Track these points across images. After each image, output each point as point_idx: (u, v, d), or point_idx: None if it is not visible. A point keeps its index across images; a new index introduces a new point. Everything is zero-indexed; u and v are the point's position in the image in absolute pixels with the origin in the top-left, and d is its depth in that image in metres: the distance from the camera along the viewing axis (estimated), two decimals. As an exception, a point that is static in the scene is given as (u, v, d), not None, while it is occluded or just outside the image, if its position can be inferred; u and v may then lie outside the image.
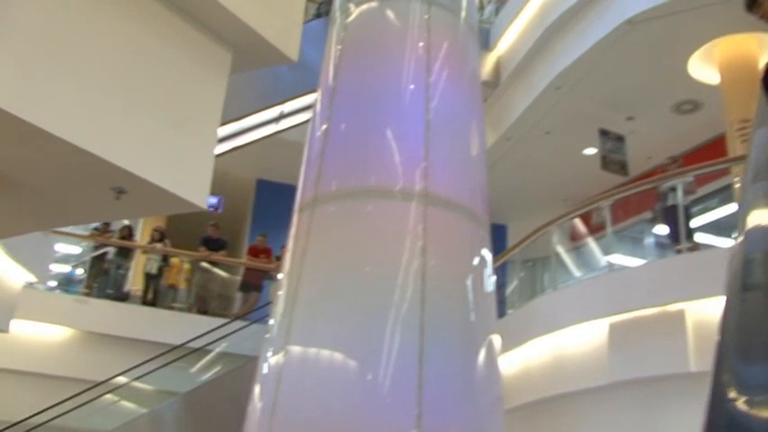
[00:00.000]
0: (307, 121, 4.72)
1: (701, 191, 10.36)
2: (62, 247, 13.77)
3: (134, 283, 14.19)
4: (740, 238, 3.14)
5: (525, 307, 10.85)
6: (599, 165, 13.12)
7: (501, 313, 10.63)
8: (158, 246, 13.82)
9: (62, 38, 3.96)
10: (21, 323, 10.84)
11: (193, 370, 10.64)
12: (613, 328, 8.61)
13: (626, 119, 13.30)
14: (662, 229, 10.16)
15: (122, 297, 13.40)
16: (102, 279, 13.42)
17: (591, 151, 14.08)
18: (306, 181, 4.48)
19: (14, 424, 9.32)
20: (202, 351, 10.68)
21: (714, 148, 12.31)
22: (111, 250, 13.73)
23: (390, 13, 4.70)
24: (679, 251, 9.14)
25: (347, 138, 4.44)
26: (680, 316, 8.00)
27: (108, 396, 9.81)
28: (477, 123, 4.68)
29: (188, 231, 14.77)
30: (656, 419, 8.16)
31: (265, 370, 4.02)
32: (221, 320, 11.29)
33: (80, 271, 14.02)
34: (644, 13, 10.71)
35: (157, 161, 4.24)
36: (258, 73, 9.33)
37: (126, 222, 13.80)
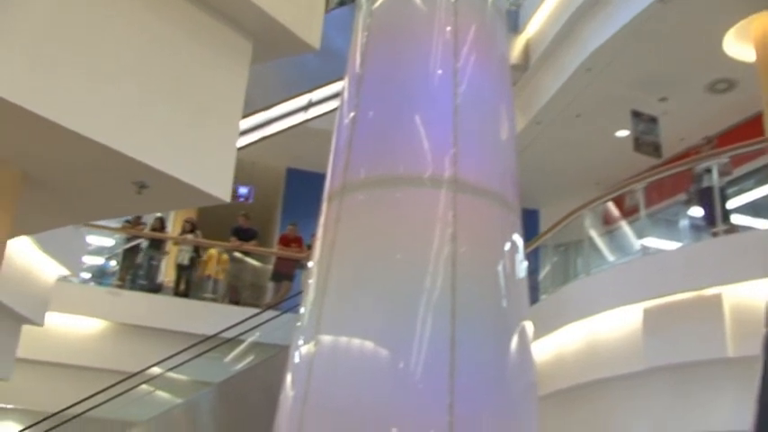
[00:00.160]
0: (335, 110, 4.68)
1: (737, 171, 10.17)
2: (95, 240, 13.89)
3: (166, 274, 14.29)
4: None
5: (558, 292, 10.76)
6: (631, 147, 12.94)
7: (534, 299, 10.54)
8: (190, 237, 13.88)
9: (78, 31, 3.94)
10: (55, 316, 10.96)
11: (226, 360, 10.69)
12: (648, 314, 8.51)
13: (659, 100, 13.11)
14: (697, 212, 10.00)
15: (155, 289, 13.50)
16: (135, 271, 13.53)
17: (623, 133, 13.90)
18: (334, 170, 4.45)
19: (52, 415, 9.44)
20: (235, 341, 10.72)
21: (750, 127, 12.08)
22: (143, 242, 13.83)
23: (416, -2, 4.64)
24: (715, 234, 8.99)
25: (375, 125, 4.41)
26: (717, 300, 7.87)
27: (143, 387, 9.90)
28: (507, 107, 4.61)
29: (219, 222, 14.82)
30: (692, 406, 8.06)
31: (297, 359, 4.02)
32: (253, 310, 11.32)
33: (113, 263, 14.14)
34: (676, -10, 10.54)
35: (179, 154, 4.21)
36: (285, 62, 9.29)
37: (158, 214, 13.89)
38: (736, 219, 9.73)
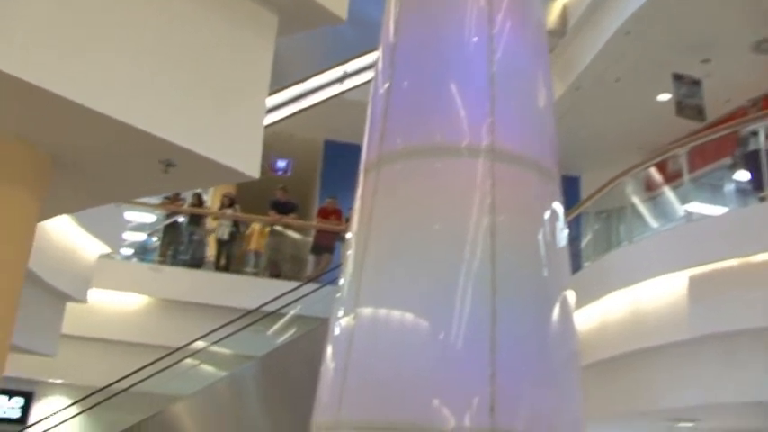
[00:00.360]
0: (371, 81, 4.63)
1: (785, 133, 9.94)
2: (137, 216, 14.04)
3: (207, 249, 14.40)
4: None
5: (601, 260, 10.65)
6: (673, 111, 12.73)
7: (576, 267, 10.44)
8: (229, 212, 13.97)
9: (100, 13, 3.91)
10: (99, 292, 11.14)
11: (269, 333, 10.77)
12: (693, 281, 8.37)
13: (701, 61, 12.84)
14: (743, 176, 9.80)
15: (197, 264, 13.63)
16: (176, 247, 13.68)
17: (665, 97, 13.67)
18: (370, 141, 4.42)
19: (98, 390, 9.61)
20: (277, 314, 10.79)
21: (798, 87, 11.83)
22: (182, 218, 13.96)
23: (449, -36, 4.54)
24: (762, 198, 8.79)
25: (410, 95, 4.35)
26: (764, 267, 7.71)
27: (187, 361, 10.02)
28: (544, 74, 4.52)
29: (258, 196, 14.87)
30: (739, 375, 7.94)
31: (337, 331, 4.02)
32: (294, 284, 11.37)
33: (155, 239, 14.29)
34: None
35: (205, 132, 4.18)
36: (320, 34, 9.22)
37: (196, 190, 14.01)
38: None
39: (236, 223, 14.08)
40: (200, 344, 10.30)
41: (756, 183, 9.16)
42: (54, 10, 3.68)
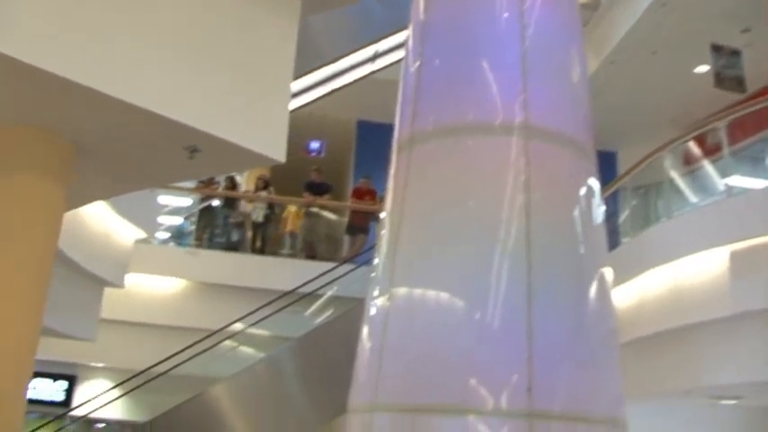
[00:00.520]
0: (402, 59, 4.58)
1: (830, 104, 9.70)
2: (172, 200, 14.14)
3: (241, 232, 14.47)
4: None
5: (639, 236, 10.51)
6: (712, 83, 12.49)
7: (613, 244, 10.32)
8: (263, 194, 14.02)
9: (122, 1, 3.89)
10: (137, 277, 11.27)
11: (306, 315, 10.81)
12: (735, 256, 8.22)
13: (741, 31, 12.56)
14: (785, 148, 9.60)
15: (232, 247, 13.72)
16: (212, 230, 13.77)
17: (703, 69, 13.41)
18: (402, 120, 4.38)
19: (139, 373, 9.73)
20: (313, 296, 10.82)
21: (841, 56, 11.54)
22: (217, 202, 14.04)
23: (479, -63, 4.46)
24: (805, 170, 8.62)
25: (441, 73, 4.30)
26: (808, 240, 7.57)
27: (225, 343, 10.10)
28: (577, 49, 4.44)
29: (292, 177, 14.90)
30: (784, 350, 7.82)
31: (372, 311, 4.01)
32: (329, 265, 11.39)
33: (191, 223, 14.39)
34: None
35: (229, 117, 4.15)
36: (351, 13, 9.17)
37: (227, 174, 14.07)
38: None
39: (270, 205, 14.13)
40: (237, 326, 10.38)
41: (799, 154, 8.97)
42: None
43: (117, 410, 11.90)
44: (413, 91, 4.34)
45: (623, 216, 11.75)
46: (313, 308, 11.12)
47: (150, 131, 3.98)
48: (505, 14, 4.24)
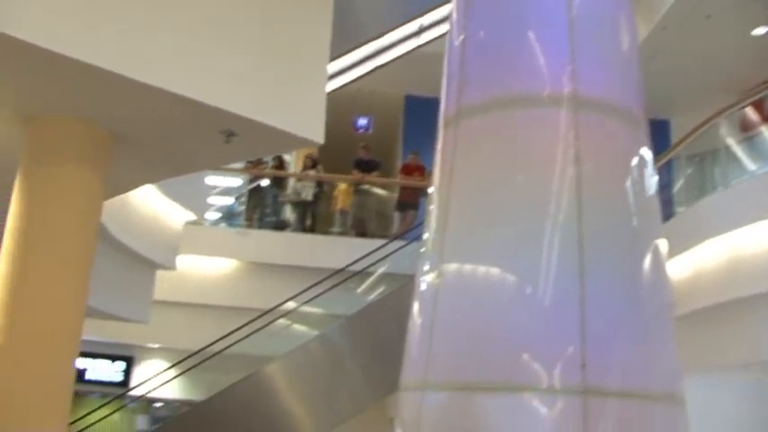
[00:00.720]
0: (447, 33, 4.52)
1: None
2: (220, 181, 14.26)
3: (292, 211, 14.55)
4: None
5: (695, 207, 10.29)
6: (770, 45, 12.18)
7: (668, 215, 10.12)
8: (311, 173, 14.05)
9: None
10: (188, 258, 11.40)
11: (358, 292, 10.84)
12: (795, 225, 8.03)
13: (799, -10, 12.23)
14: None
15: (282, 226, 13.80)
16: (262, 210, 13.86)
17: (761, 31, 13.07)
18: (448, 95, 4.33)
19: (194, 353, 9.87)
20: (365, 273, 10.85)
21: None
22: (266, 182, 14.11)
23: None
24: None
25: (487, 45, 4.22)
26: None
27: (278, 322, 10.18)
28: (626, 15, 4.32)
29: (340, 155, 14.92)
30: None
31: (423, 287, 3.98)
32: (380, 242, 11.40)
33: (241, 203, 14.51)
34: None
35: (265, 99, 4.12)
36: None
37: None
38: None
39: (319, 183, 14.16)
40: (290, 305, 10.45)
41: None
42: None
43: (174, 390, 12.12)
44: (458, 65, 4.28)
45: (678, 186, 11.53)
46: (364, 285, 11.14)
47: (186, 117, 3.98)
48: (551, -18, 4.14)
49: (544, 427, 3.36)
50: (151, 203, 8.80)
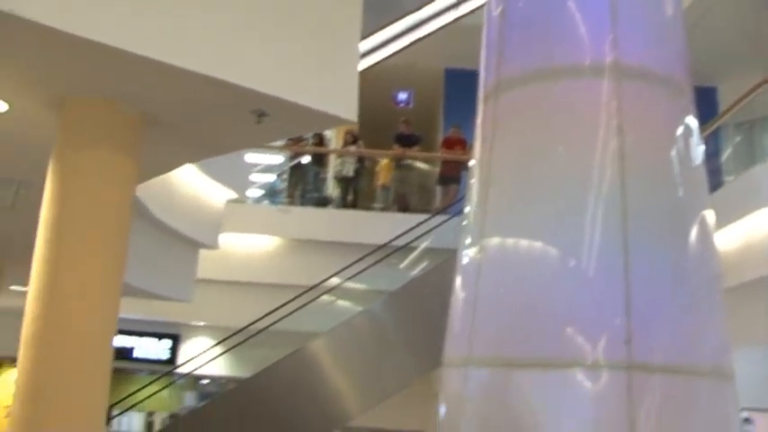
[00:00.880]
0: (485, 4, 4.45)
1: None
2: (261, 158, 14.31)
3: (333, 187, 14.57)
4: None
5: (744, 175, 10.07)
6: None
7: (715, 185, 9.93)
8: (352, 148, 14.03)
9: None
10: (231, 236, 11.49)
11: (401, 267, 10.84)
12: None
13: None
14: None
15: (323, 202, 13.83)
16: (303, 187, 13.91)
17: (810, -6, 12.71)
18: (487, 67, 4.26)
19: (239, 330, 9.97)
20: (408, 248, 10.83)
21: None
22: (306, 158, 14.13)
23: None
24: None
25: (525, 16, 4.14)
26: None
27: (322, 298, 10.22)
28: (669, -21, 4.21)
29: (381, 130, 14.87)
30: None
31: (465, 260, 3.95)
32: (422, 217, 11.36)
33: (282, 180, 14.56)
34: None
35: (296, 78, 4.07)
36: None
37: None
38: None
39: (360, 159, 14.14)
40: (333, 281, 10.48)
41: None
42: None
43: (220, 367, 12.28)
44: (497, 36, 4.21)
45: (726, 155, 11.30)
46: (407, 260, 11.14)
47: (217, 98, 3.97)
48: (591, -52, 4.04)
49: (588, 404, 3.32)
50: (192, 183, 8.86)
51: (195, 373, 12.14)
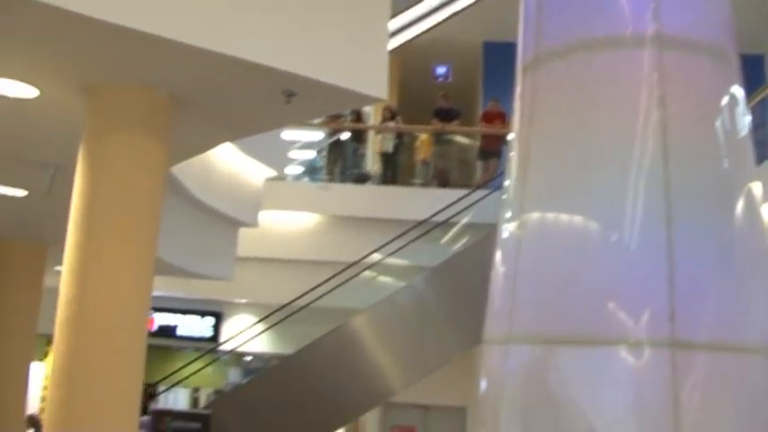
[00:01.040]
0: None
1: None
2: (298, 136, 14.31)
3: (372, 163, 14.54)
4: None
5: (792, 145, 9.87)
6: None
7: (763, 156, 9.70)
8: (391, 124, 13.97)
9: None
10: (271, 214, 11.53)
11: (441, 243, 10.79)
12: None
13: None
14: None
15: (363, 179, 13.81)
16: (343, 164, 13.89)
17: None
18: (526, 40, 4.21)
19: (281, 307, 10.02)
20: (448, 224, 10.77)
21: None
22: (345, 135, 14.10)
23: None
24: None
25: (565, -14, 4.08)
26: None
27: (363, 275, 10.22)
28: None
29: (420, 104, 14.79)
30: None
31: (505, 234, 3.92)
32: (463, 192, 11.29)
33: (322, 157, 14.57)
34: None
35: (325, 57, 4.00)
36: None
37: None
38: None
39: (399, 135, 14.09)
40: (374, 257, 10.47)
41: None
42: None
43: (262, 344, 12.39)
44: (535, 8, 4.15)
45: (775, 124, 11.04)
46: (448, 236, 11.09)
47: (246, 79, 3.93)
48: None
49: (630, 382, 3.26)
50: (231, 162, 8.89)
51: (238, 349, 12.28)
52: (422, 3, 13.11)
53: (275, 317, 10.26)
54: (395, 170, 13.82)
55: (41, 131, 4.85)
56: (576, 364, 3.39)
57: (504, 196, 4.10)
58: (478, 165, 14.18)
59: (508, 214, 3.93)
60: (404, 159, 14.11)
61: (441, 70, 16.03)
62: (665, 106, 3.58)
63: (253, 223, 10.03)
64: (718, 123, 3.69)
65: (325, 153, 14.43)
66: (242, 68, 3.75)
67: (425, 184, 13.66)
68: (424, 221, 10.59)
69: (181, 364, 11.47)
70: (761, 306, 3.52)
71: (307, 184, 13.94)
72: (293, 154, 13.69)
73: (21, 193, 6.01)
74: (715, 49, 3.79)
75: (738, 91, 3.87)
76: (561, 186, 3.73)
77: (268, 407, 8.59)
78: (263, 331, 11.28)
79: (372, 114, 15.09)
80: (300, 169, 14.64)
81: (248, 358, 16.31)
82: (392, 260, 10.55)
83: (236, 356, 15.56)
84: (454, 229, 11.10)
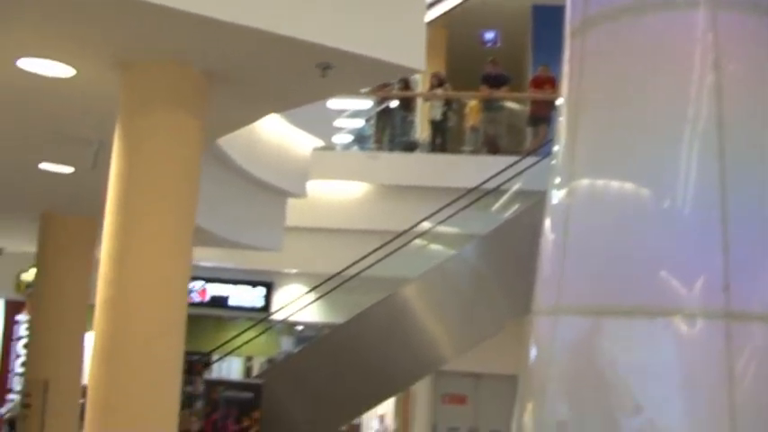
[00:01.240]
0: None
1: None
2: (352, 104, 14.26)
3: (420, 131, 14.43)
4: None
5: None
6: None
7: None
8: (439, 91, 13.83)
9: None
10: (320, 184, 11.53)
11: (491, 211, 10.69)
12: None
13: None
14: None
15: (412, 147, 13.72)
16: (392, 132, 13.82)
17: None
18: (574, 3, 4.13)
19: (330, 277, 10.04)
20: (498, 191, 10.66)
21: None
22: (394, 103, 14.01)
23: None
24: None
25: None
26: None
27: (413, 243, 10.18)
28: None
29: (468, 71, 14.61)
30: None
31: (554, 200, 3.88)
32: (513, 158, 11.16)
33: (370, 126, 14.50)
34: None
35: (360, 29, 3.93)
36: None
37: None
38: None
39: (448, 102, 13.95)
40: (424, 225, 10.43)
41: None
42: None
43: (313, 314, 12.46)
44: (583, -31, 4.04)
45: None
46: (498, 203, 10.99)
47: (282, 53, 3.90)
48: None
49: (683, 353, 3.19)
50: (277, 133, 8.87)
51: (289, 319, 12.36)
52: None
53: (325, 286, 10.29)
54: (444, 137, 13.70)
55: (80, 109, 4.89)
56: (626, 336, 3.33)
57: (552, 162, 4.03)
58: (528, 131, 14.00)
59: (557, 180, 3.88)
60: (453, 126, 13.99)
61: (489, 36, 15.80)
62: (720, 69, 3.48)
63: (301, 194, 10.04)
64: (776, 87, 3.57)
65: (373, 121, 14.36)
66: (275, 43, 3.72)
67: (475, 152, 13.53)
68: (474, 189, 10.50)
69: (233, 334, 11.61)
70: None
71: (355, 153, 13.90)
72: (341, 123, 13.63)
73: (68, 169, 6.10)
74: (772, 8, 3.66)
75: (797, 52, 3.73)
76: (611, 153, 3.66)
77: (319, 376, 8.65)
78: (313, 301, 11.32)
79: (420, 82, 14.96)
80: (349, 138, 14.60)
81: (300, 327, 16.45)
82: (442, 228, 10.47)
83: (288, 326, 15.70)
84: (505, 197, 10.98)
